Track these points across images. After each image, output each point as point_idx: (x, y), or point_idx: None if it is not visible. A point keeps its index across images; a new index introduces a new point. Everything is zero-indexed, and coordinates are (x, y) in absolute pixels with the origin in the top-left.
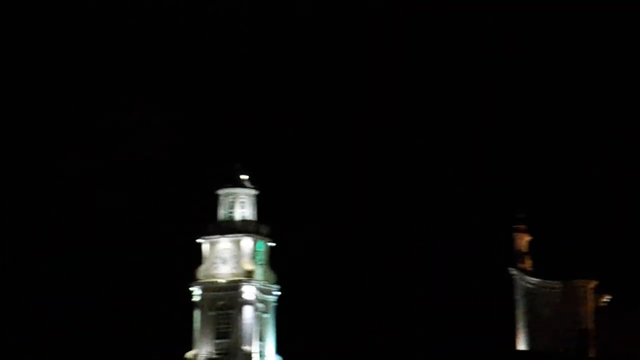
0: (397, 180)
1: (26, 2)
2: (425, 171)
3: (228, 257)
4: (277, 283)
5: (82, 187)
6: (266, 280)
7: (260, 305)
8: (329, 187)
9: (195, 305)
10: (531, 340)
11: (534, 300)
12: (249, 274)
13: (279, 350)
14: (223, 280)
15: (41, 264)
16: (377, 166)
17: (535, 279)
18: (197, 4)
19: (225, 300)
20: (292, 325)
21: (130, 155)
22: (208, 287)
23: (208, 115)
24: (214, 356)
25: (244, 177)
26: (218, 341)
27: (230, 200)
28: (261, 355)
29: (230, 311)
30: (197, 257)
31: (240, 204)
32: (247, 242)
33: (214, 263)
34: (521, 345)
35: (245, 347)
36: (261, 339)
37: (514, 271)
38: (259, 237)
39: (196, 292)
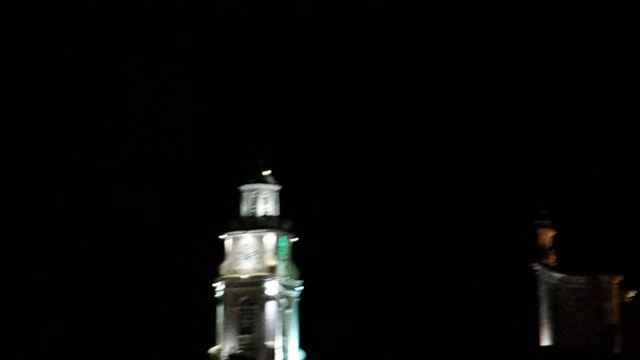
0: (420, 175)
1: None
2: (451, 167)
3: (251, 253)
4: (299, 278)
5: (104, 183)
6: (289, 276)
7: (283, 300)
8: (351, 182)
9: (218, 300)
10: (555, 336)
11: (558, 296)
12: (272, 270)
13: (302, 345)
14: (246, 276)
15: (62, 262)
16: (398, 161)
17: (560, 275)
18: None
19: (248, 296)
20: (315, 320)
21: (153, 152)
22: (231, 283)
23: (230, 112)
24: (238, 351)
25: (266, 172)
26: (241, 336)
27: (253, 196)
28: (284, 350)
29: (253, 306)
30: (220, 253)
31: (263, 199)
32: (269, 238)
33: (236, 259)
34: (545, 341)
35: (269, 342)
36: (284, 334)
37: (537, 267)
38: (281, 232)
39: (219, 287)
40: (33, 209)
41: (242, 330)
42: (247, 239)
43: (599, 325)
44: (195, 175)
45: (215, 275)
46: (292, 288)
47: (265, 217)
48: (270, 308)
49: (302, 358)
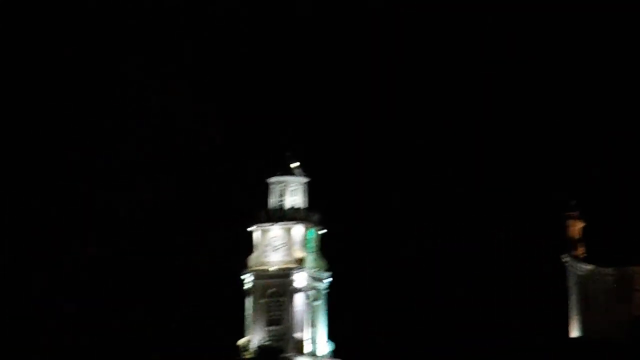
0: (449, 166)
1: None
2: (481, 159)
3: (279, 245)
4: (328, 270)
5: (134, 175)
6: (317, 268)
7: (311, 292)
8: (379, 173)
9: (246, 293)
10: (585, 327)
11: (587, 287)
12: (300, 262)
13: (330, 337)
14: (274, 268)
15: (86, 258)
16: (426, 151)
17: (589, 266)
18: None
19: (277, 288)
20: (343, 311)
21: (181, 145)
22: (259, 275)
23: (259, 105)
24: (266, 343)
25: (294, 165)
26: (270, 328)
27: (281, 188)
28: (313, 341)
29: (282, 298)
30: (248, 245)
31: (291, 191)
32: (297, 230)
33: (265, 251)
34: (575, 332)
35: (297, 334)
36: (312, 325)
37: (567, 258)
38: (309, 224)
39: (247, 280)
40: (49, 205)
41: (271, 322)
42: (275, 231)
43: (629, 317)
44: (223, 168)
45: (244, 268)
46: (320, 280)
47: (293, 210)
48: (299, 300)
49: (330, 349)
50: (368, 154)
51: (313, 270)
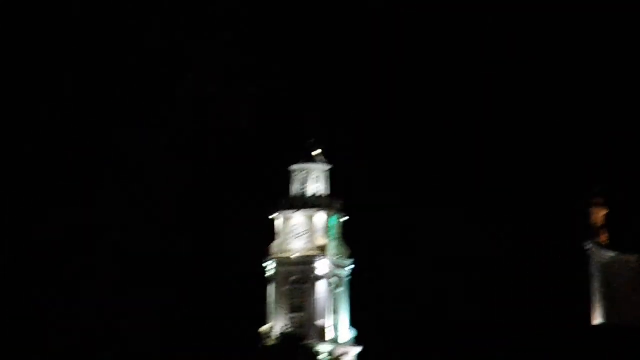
0: (471, 152)
1: None
2: (504, 145)
3: (301, 232)
4: (350, 257)
5: (157, 162)
6: (339, 255)
7: (333, 279)
8: (401, 159)
9: (269, 280)
10: (607, 314)
11: (610, 275)
12: (322, 249)
13: (352, 324)
14: (296, 255)
15: (107, 238)
16: (447, 138)
17: (612, 253)
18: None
19: (299, 275)
20: (365, 298)
21: (203, 131)
22: (281, 262)
23: (281, 91)
24: (288, 330)
25: (316, 152)
26: (292, 315)
27: (303, 175)
28: (335, 328)
29: (304, 286)
30: (270, 232)
31: (313, 179)
32: (320, 217)
33: (287, 238)
34: (597, 319)
35: (319, 321)
36: (335, 312)
37: (590, 245)
38: (332, 211)
39: (270, 267)
40: (72, 190)
41: (293, 309)
42: (298, 218)
43: None
44: (246, 156)
45: (266, 255)
46: (342, 267)
47: (316, 197)
48: (321, 287)
49: (352, 336)
50: (390, 141)
51: (335, 257)
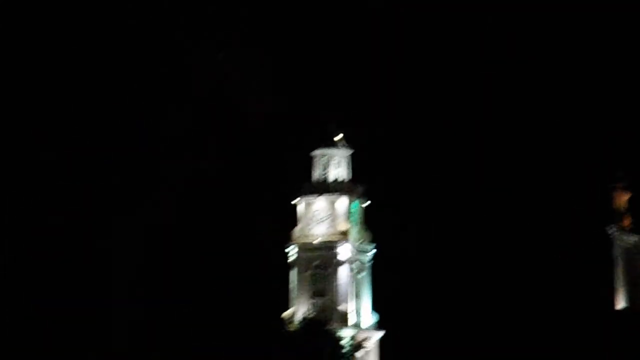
0: (493, 136)
1: None
2: (528, 129)
3: (323, 217)
4: (372, 242)
5: (180, 147)
6: (361, 240)
7: (355, 264)
8: (423, 144)
9: (291, 265)
10: (630, 298)
11: (633, 259)
12: (344, 234)
13: (374, 308)
14: (318, 241)
15: (135, 222)
16: (468, 123)
17: (635, 237)
18: None
19: (321, 260)
20: (387, 283)
21: (227, 117)
22: (303, 248)
23: (302, 77)
24: (311, 315)
25: (338, 137)
26: (314, 300)
27: (325, 160)
28: (357, 313)
29: (326, 271)
30: (292, 217)
31: (335, 164)
32: (342, 202)
33: (309, 223)
34: (620, 303)
35: (341, 306)
36: (357, 297)
37: (613, 229)
38: (353, 196)
39: (292, 252)
40: (95, 176)
41: (315, 294)
42: (320, 203)
43: None
44: (267, 141)
45: (288, 240)
46: (364, 252)
47: (337, 182)
48: (343, 272)
49: (375, 321)
50: (412, 126)
51: (357, 242)
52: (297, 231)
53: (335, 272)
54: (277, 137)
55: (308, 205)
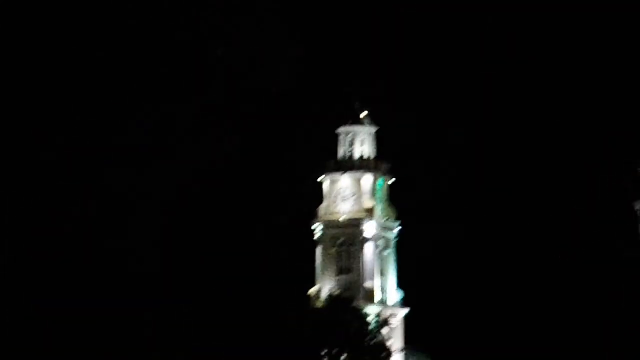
0: (521, 112)
1: None
2: (555, 106)
3: (348, 195)
4: (397, 219)
5: (204, 125)
6: (386, 217)
7: (380, 241)
8: (448, 121)
9: (317, 242)
10: None
11: None
12: (370, 211)
13: (400, 286)
14: (344, 218)
15: (158, 201)
16: (494, 99)
17: None
18: None
19: (346, 238)
20: (413, 260)
21: (252, 93)
22: (329, 225)
23: (328, 53)
24: (336, 292)
25: (363, 114)
26: (340, 278)
27: (350, 138)
28: (382, 290)
29: (352, 248)
30: (318, 195)
31: (360, 141)
32: (367, 180)
33: (334, 201)
34: None
35: (367, 283)
36: (382, 274)
37: (639, 206)
38: (379, 174)
39: (317, 229)
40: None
41: (341, 272)
42: (345, 181)
43: None
44: (292, 118)
45: (314, 218)
46: (389, 229)
47: (363, 159)
48: (368, 249)
49: (400, 298)
50: (436, 102)
51: (383, 219)
52: (322, 208)
53: (360, 249)
54: (303, 115)
55: (333, 182)
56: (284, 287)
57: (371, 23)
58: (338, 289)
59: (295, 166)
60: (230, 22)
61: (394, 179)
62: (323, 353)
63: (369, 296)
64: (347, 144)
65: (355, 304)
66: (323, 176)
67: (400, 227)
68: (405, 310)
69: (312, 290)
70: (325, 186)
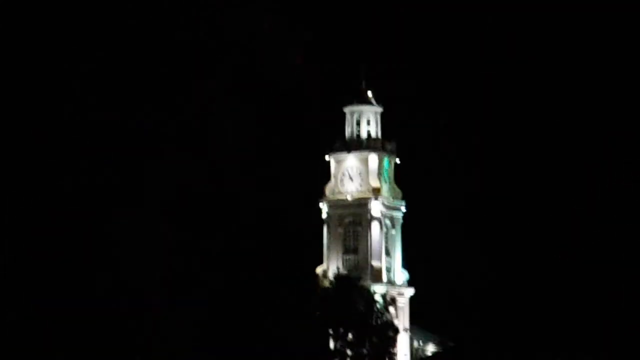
0: (534, 94)
1: None
2: (572, 95)
3: (354, 174)
4: (403, 199)
5: (212, 105)
6: (392, 197)
7: (387, 221)
8: (453, 100)
9: (323, 221)
10: None
11: None
12: (376, 191)
13: (405, 265)
14: (350, 198)
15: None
16: (503, 78)
17: None
18: None
19: (353, 217)
20: (418, 240)
21: (260, 73)
22: (336, 204)
23: (335, 33)
24: (343, 271)
25: (369, 94)
26: (346, 257)
27: (356, 117)
28: (388, 269)
29: (358, 227)
30: (325, 174)
31: (366, 120)
32: (373, 159)
33: (341, 180)
34: None
35: (373, 263)
36: (388, 254)
37: None
38: (385, 153)
39: (324, 209)
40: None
41: (347, 251)
42: (351, 160)
43: None
44: (299, 97)
45: (321, 197)
46: (396, 209)
47: (369, 139)
48: (375, 229)
49: (406, 278)
50: (441, 83)
51: (389, 199)
52: (329, 188)
53: (367, 228)
54: (309, 94)
55: (340, 162)
56: (291, 266)
57: (378, 4)
58: (345, 268)
59: (303, 145)
60: (241, 7)
61: (398, 159)
62: (330, 332)
63: (376, 275)
64: (354, 122)
65: (362, 283)
66: (330, 155)
67: (405, 208)
68: (411, 290)
69: (319, 270)
70: (332, 165)
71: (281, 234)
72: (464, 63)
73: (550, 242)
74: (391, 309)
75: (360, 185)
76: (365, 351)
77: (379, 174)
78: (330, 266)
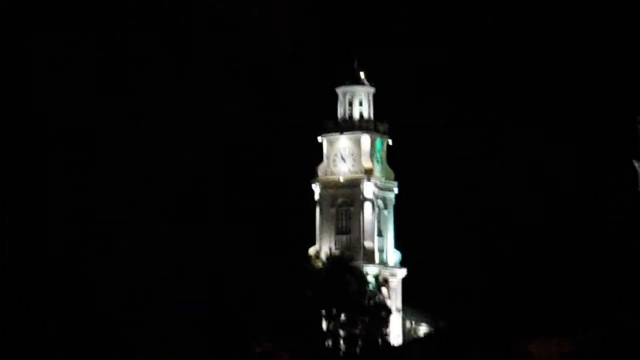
0: (521, 68)
1: None
2: (553, 63)
3: (347, 155)
4: (395, 180)
5: (204, 86)
6: (385, 178)
7: (379, 202)
8: (446, 83)
9: (316, 202)
10: None
11: None
12: (368, 172)
13: (397, 246)
14: (343, 178)
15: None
16: (493, 61)
17: None
18: None
19: (345, 198)
20: (410, 220)
21: (252, 54)
22: (328, 185)
23: (327, 14)
24: (336, 252)
25: (361, 74)
26: (339, 237)
27: (349, 97)
28: (380, 250)
29: (350, 208)
30: (318, 155)
31: (359, 101)
32: (365, 140)
33: (333, 160)
34: None
35: (366, 243)
36: (380, 235)
37: (638, 163)
38: (377, 134)
39: (316, 189)
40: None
41: (340, 231)
42: (343, 141)
43: None
44: (292, 78)
45: (313, 177)
46: (388, 190)
47: (361, 119)
48: (367, 210)
49: (398, 259)
50: (433, 64)
51: (381, 180)
52: (321, 168)
53: (359, 209)
54: (302, 74)
55: (332, 142)
56: (283, 246)
57: None
58: (337, 248)
59: (295, 125)
60: None
61: (391, 140)
62: (323, 313)
63: (369, 256)
64: (346, 103)
65: (354, 263)
66: (322, 135)
67: (398, 189)
68: (404, 271)
69: (312, 250)
70: (325, 146)
71: (273, 215)
72: (457, 43)
73: (543, 223)
74: (384, 289)
75: (353, 166)
76: (357, 332)
77: (372, 154)
78: (323, 247)
